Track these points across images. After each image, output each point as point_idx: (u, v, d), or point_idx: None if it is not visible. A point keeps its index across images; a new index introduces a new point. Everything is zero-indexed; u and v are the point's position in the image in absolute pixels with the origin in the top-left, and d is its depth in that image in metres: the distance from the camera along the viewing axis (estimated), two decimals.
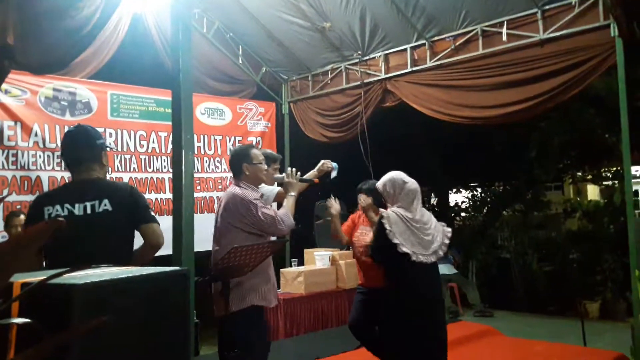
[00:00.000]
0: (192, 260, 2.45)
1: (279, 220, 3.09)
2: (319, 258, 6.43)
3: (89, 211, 2.51)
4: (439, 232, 3.37)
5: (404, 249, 3.16)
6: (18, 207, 4.78)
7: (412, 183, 3.41)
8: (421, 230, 3.29)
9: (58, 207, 2.51)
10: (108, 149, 2.81)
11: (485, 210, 10.17)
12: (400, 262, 3.19)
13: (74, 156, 2.64)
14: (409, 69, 6.07)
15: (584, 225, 8.42)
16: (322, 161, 4.08)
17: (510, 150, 9.49)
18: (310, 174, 4.00)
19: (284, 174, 3.51)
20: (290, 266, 6.71)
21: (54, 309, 1.45)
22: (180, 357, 1.73)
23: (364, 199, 4.10)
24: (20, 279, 1.58)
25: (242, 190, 3.15)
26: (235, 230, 3.03)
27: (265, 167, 3.34)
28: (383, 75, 6.33)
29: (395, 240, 3.17)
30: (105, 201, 2.51)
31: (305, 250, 6.79)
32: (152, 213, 2.67)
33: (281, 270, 6.15)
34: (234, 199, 3.09)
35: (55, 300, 1.46)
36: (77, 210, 2.51)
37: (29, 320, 1.38)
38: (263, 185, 3.49)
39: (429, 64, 5.89)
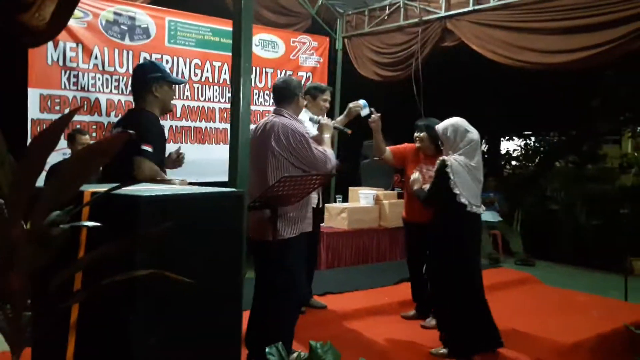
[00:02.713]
0: (246, 185, 2.54)
1: (329, 158, 3.10)
2: (363, 196, 6.50)
3: None
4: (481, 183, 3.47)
5: (463, 200, 3.24)
6: (78, 126, 4.98)
7: (475, 133, 3.38)
8: (479, 180, 3.37)
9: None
10: (164, 81, 2.82)
11: (537, 160, 9.90)
12: (456, 210, 3.27)
13: (132, 88, 2.99)
14: (471, 7, 5.80)
15: (639, 182, 8.12)
16: (349, 105, 4.11)
17: (569, 99, 9.10)
18: (339, 120, 4.06)
19: (320, 116, 3.63)
20: (335, 202, 6.82)
21: (121, 217, 1.55)
22: (233, 272, 1.84)
23: (420, 136, 4.06)
24: (89, 189, 1.69)
25: (292, 121, 3.08)
26: (285, 162, 2.96)
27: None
28: (443, 13, 6.09)
29: (456, 190, 3.23)
30: (120, 129, 2.82)
31: (350, 188, 6.86)
32: (147, 148, 2.64)
33: (326, 205, 6.25)
34: (285, 130, 2.97)
35: (123, 209, 1.56)
36: None
37: (97, 224, 1.49)
38: None
39: (494, 3, 5.61)
